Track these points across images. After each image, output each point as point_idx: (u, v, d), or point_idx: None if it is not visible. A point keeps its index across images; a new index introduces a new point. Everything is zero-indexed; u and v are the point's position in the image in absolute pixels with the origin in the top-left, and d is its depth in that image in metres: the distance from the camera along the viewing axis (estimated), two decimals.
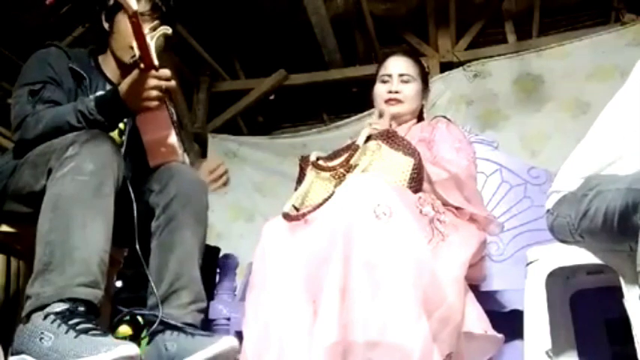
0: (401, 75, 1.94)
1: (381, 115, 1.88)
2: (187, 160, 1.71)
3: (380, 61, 2.09)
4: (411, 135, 1.84)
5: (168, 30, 1.48)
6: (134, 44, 1.36)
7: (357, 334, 1.25)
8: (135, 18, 1.30)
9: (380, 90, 1.96)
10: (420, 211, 1.49)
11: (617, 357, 1.70)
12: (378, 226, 1.34)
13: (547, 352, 1.39)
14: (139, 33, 1.33)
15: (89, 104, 1.45)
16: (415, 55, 2.10)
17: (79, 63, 1.65)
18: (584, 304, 1.61)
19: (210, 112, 4.35)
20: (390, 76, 1.95)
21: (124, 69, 1.65)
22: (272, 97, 4.37)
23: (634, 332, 1.31)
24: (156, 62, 1.40)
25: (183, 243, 1.47)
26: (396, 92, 1.92)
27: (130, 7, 1.28)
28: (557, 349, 1.45)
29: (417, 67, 1.99)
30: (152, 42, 1.41)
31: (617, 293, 1.37)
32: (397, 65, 1.97)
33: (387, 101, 1.92)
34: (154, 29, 1.45)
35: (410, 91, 1.94)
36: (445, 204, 1.62)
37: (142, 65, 1.39)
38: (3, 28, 3.08)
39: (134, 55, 1.39)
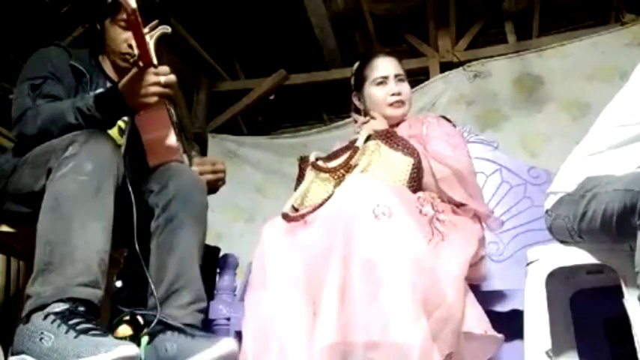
0: (397, 75, 1.88)
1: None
2: (187, 160, 1.71)
3: (363, 63, 1.94)
4: (400, 133, 1.78)
5: (167, 29, 1.48)
6: (133, 43, 1.37)
7: (357, 334, 1.25)
8: (134, 16, 1.30)
9: (380, 94, 1.86)
10: (420, 211, 1.49)
11: (617, 357, 1.70)
12: (378, 226, 1.33)
13: (547, 352, 1.39)
14: (137, 31, 1.33)
15: (88, 101, 1.44)
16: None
17: (80, 61, 1.65)
18: (584, 304, 1.61)
19: (210, 112, 4.35)
20: (386, 77, 1.87)
21: (120, 72, 1.65)
22: (272, 97, 4.37)
23: (634, 332, 1.32)
24: (155, 60, 1.40)
25: (183, 243, 1.47)
26: (399, 94, 1.86)
27: (129, 4, 1.28)
28: (557, 349, 1.45)
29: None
30: (151, 41, 1.41)
31: (617, 293, 1.37)
32: (391, 66, 1.90)
33: (391, 104, 1.85)
34: (152, 28, 1.45)
35: (407, 90, 1.90)
36: (449, 201, 1.61)
37: (140, 63, 1.39)
38: (3, 28, 3.08)
39: (134, 56, 1.39)
